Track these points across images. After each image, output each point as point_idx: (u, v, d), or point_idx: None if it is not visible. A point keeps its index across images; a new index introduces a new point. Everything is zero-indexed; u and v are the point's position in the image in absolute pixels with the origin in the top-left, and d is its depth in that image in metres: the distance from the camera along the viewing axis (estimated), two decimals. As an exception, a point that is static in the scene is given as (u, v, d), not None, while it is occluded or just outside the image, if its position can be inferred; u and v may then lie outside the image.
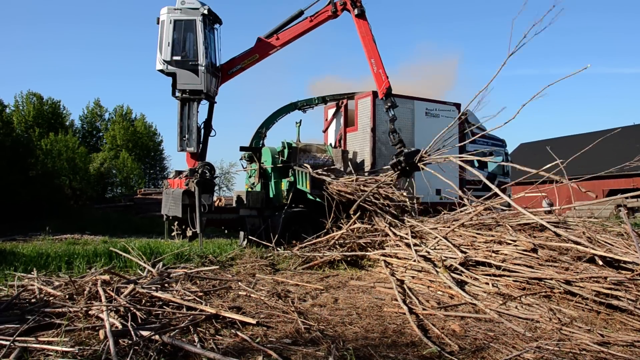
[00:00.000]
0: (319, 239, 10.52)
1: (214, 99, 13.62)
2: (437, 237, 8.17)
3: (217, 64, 13.56)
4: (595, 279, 5.80)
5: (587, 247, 6.29)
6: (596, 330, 5.10)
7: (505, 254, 6.93)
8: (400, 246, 8.77)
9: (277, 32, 13.84)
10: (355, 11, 13.59)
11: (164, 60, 12.61)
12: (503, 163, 17.53)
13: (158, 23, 12.87)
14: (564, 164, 8.01)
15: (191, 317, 5.34)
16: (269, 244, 11.02)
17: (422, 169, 11.85)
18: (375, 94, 14.37)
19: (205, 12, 12.83)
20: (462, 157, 11.09)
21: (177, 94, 12.87)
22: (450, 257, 7.44)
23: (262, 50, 13.88)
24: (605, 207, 26.30)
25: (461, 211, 9.35)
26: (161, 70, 12.77)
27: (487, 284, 6.69)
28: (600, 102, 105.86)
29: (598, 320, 5.48)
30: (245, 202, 13.44)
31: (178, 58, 12.73)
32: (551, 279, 6.11)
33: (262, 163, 14.24)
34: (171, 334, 4.67)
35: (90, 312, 5.32)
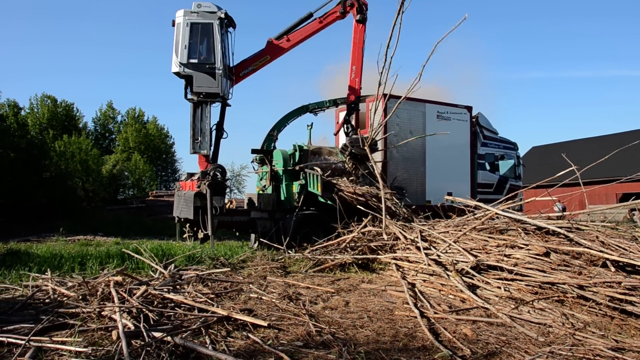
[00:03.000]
0: (330, 242, 10.51)
1: (228, 101, 13.68)
2: (448, 240, 8.14)
3: (231, 67, 13.63)
4: (609, 284, 5.75)
5: (600, 251, 6.24)
6: (610, 336, 5.05)
7: (518, 258, 6.89)
8: (411, 249, 8.75)
9: (287, 34, 13.93)
10: (358, 16, 13.90)
11: (180, 62, 12.65)
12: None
13: (173, 25, 12.92)
14: (580, 171, 7.96)
15: (203, 319, 5.36)
16: (280, 247, 11.04)
17: (369, 154, 12.90)
18: (386, 96, 14.35)
19: (222, 15, 12.89)
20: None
21: (192, 96, 12.93)
22: (462, 261, 7.41)
23: (273, 52, 13.96)
24: (618, 212, 26.03)
25: (473, 215, 9.29)
26: (177, 73, 12.80)
27: (499, 288, 6.65)
28: (612, 105, 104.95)
29: (612, 326, 5.43)
30: (256, 204, 13.49)
31: (195, 61, 12.78)
32: (564, 283, 6.06)
33: (274, 165, 14.28)
34: (183, 336, 4.70)
35: (103, 313, 5.36)
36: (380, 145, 14.29)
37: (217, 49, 12.80)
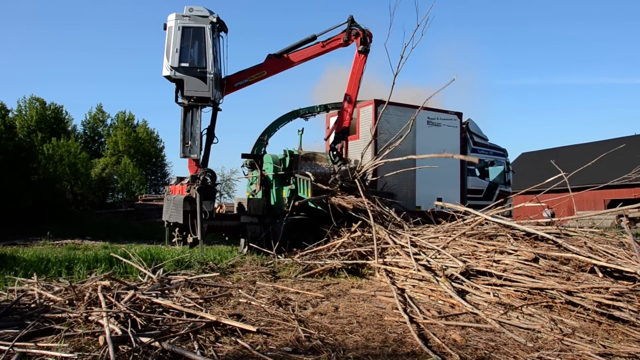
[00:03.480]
0: (320, 247, 10.50)
1: (219, 106, 13.64)
2: (437, 246, 8.15)
3: (223, 72, 13.60)
4: (597, 290, 5.79)
5: (588, 257, 6.28)
6: (598, 341, 5.08)
7: (507, 264, 6.91)
8: (400, 255, 8.75)
9: (288, 52, 13.94)
10: (361, 47, 13.97)
11: (171, 66, 12.58)
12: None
13: (165, 29, 12.87)
14: (567, 176, 8.02)
15: (191, 324, 5.32)
16: (269, 252, 11.00)
17: (359, 186, 12.53)
18: (377, 102, 14.43)
19: (214, 20, 12.86)
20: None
21: (182, 100, 12.86)
22: (451, 267, 7.43)
23: (271, 68, 13.97)
24: (606, 218, 26.25)
25: (462, 220, 9.32)
26: (168, 77, 12.72)
27: (488, 293, 6.67)
28: (601, 112, 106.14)
29: (600, 331, 5.46)
30: (246, 209, 13.44)
31: (186, 65, 12.72)
32: (552, 289, 6.09)
33: (264, 170, 14.25)
34: (171, 341, 4.65)
35: (90, 318, 5.30)
36: (370, 153, 14.35)
37: (209, 54, 12.77)
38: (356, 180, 12.81)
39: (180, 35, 12.72)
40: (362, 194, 12.08)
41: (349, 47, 14.28)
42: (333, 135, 14.65)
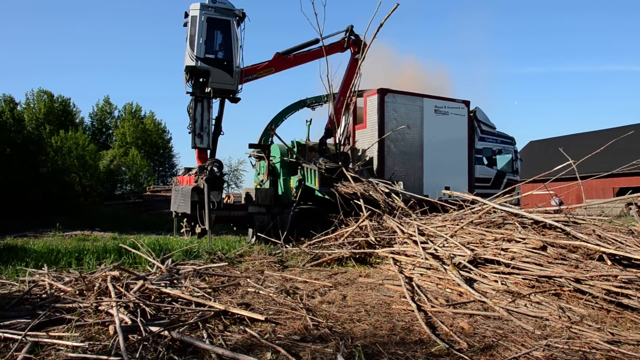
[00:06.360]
0: (328, 236, 10.52)
1: (238, 96, 13.73)
2: (445, 234, 8.14)
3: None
4: (605, 277, 5.76)
5: (597, 244, 6.25)
6: (606, 329, 5.06)
7: (515, 252, 6.89)
8: (408, 244, 8.75)
9: (294, 52, 14.28)
10: (357, 55, 14.73)
11: (196, 57, 12.58)
12: None
13: (186, 17, 12.87)
14: (576, 164, 7.97)
15: (200, 313, 5.35)
16: (277, 241, 11.03)
17: (347, 176, 13.02)
18: (383, 91, 14.39)
19: (240, 15, 12.97)
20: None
21: (196, 90, 12.89)
22: (459, 255, 7.41)
23: (279, 66, 14.27)
24: (615, 206, 26.08)
25: (470, 209, 9.29)
26: (192, 67, 12.69)
27: (496, 281, 6.66)
28: (610, 100, 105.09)
29: (608, 319, 5.45)
30: (254, 199, 13.48)
31: (212, 56, 12.79)
32: (560, 277, 6.07)
33: (271, 160, 14.27)
34: (180, 330, 4.69)
35: (100, 308, 5.35)
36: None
37: (236, 47, 12.86)
38: (345, 169, 13.15)
39: (206, 26, 12.72)
40: (348, 175, 12.71)
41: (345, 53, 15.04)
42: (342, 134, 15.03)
